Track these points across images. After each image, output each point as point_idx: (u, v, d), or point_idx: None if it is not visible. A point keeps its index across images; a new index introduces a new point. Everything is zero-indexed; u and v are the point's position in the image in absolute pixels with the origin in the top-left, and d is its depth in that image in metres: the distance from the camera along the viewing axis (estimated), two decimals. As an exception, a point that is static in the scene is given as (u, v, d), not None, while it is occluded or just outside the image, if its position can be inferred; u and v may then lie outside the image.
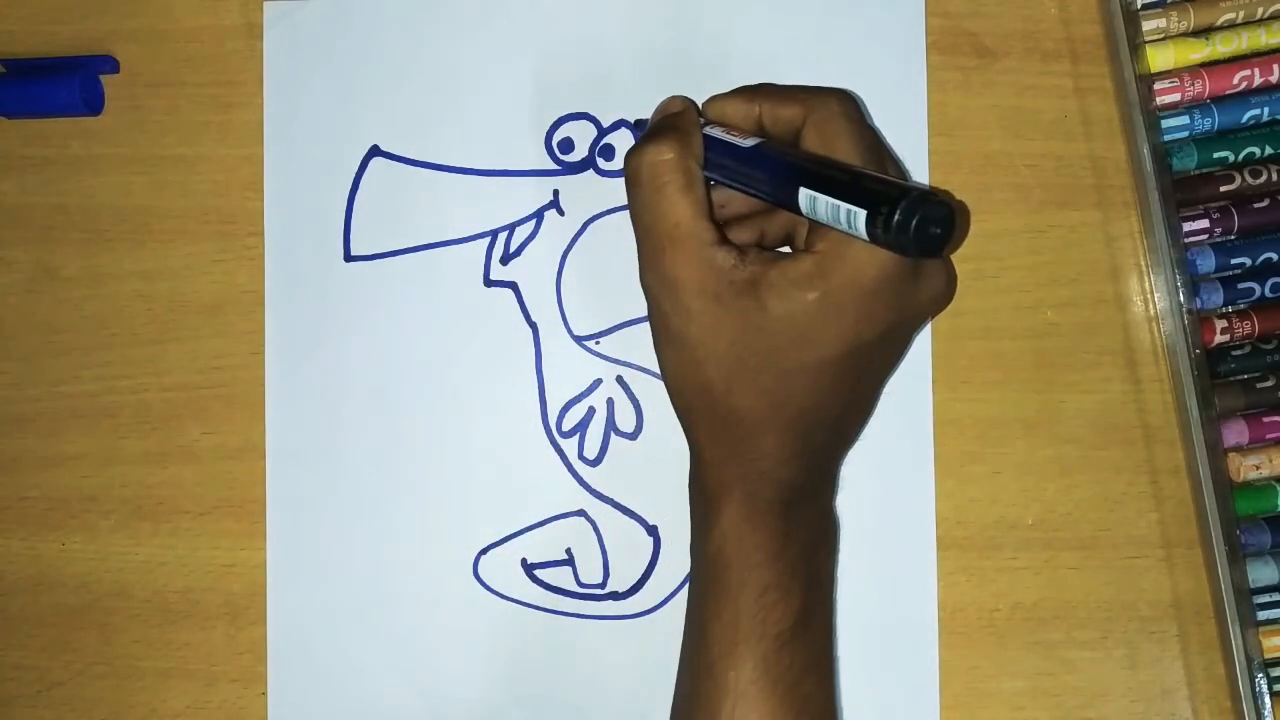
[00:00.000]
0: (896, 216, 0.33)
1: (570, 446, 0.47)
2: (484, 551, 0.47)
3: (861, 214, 0.34)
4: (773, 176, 0.38)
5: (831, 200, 0.35)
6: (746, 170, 0.39)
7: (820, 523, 0.42)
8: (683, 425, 0.41)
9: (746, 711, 0.38)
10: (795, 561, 0.39)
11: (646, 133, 0.40)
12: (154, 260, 0.48)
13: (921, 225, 0.33)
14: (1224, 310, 0.44)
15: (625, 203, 0.46)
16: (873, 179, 0.36)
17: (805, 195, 0.36)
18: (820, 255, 0.37)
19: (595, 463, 0.47)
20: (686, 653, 0.41)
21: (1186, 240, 0.44)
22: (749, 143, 0.39)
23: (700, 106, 0.42)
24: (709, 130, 0.40)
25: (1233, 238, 0.44)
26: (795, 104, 0.39)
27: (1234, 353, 0.44)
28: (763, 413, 0.39)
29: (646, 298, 0.40)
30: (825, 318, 0.37)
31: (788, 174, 0.37)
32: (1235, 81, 0.43)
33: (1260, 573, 0.43)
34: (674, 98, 0.42)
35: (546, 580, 0.47)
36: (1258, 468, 0.43)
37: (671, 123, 0.40)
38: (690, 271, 0.38)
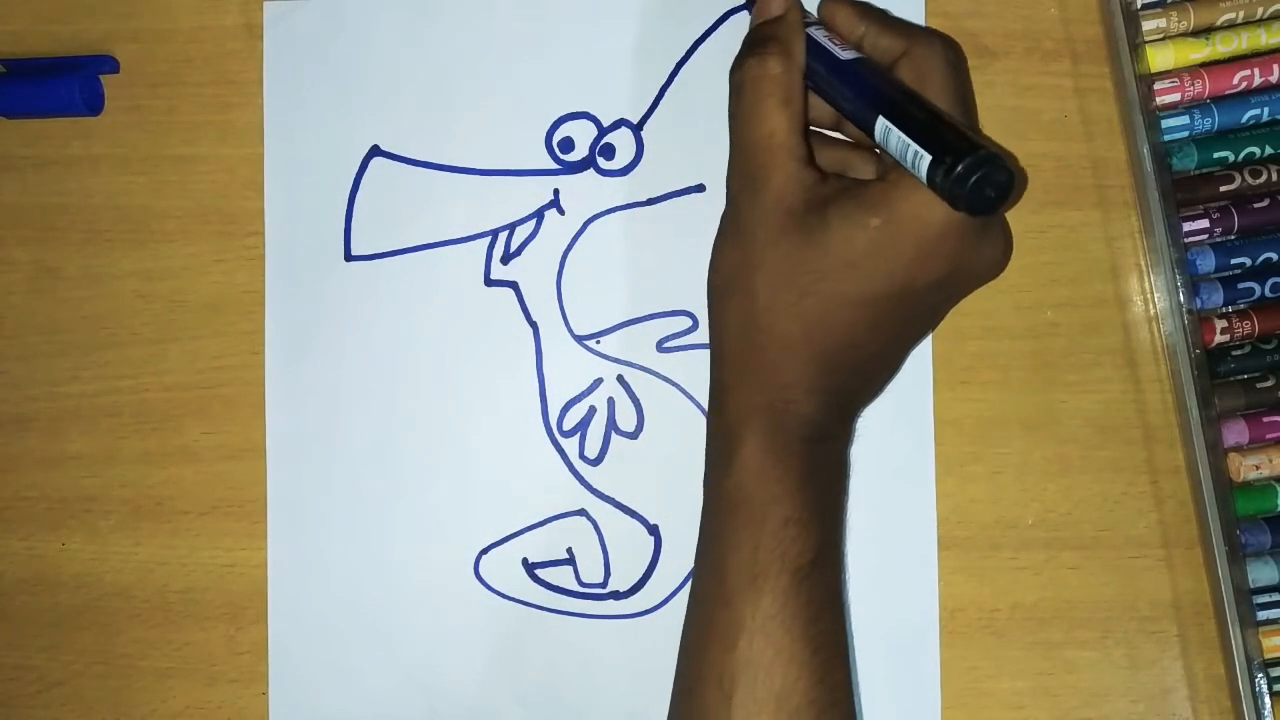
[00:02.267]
0: (958, 169, 0.34)
1: (571, 446, 0.47)
2: (485, 551, 0.47)
3: (926, 158, 0.35)
4: (858, 96, 0.39)
5: (903, 137, 0.36)
6: (836, 82, 0.40)
7: (837, 464, 0.42)
8: (713, 348, 0.41)
9: (764, 645, 0.38)
10: (814, 498, 0.39)
11: (750, 38, 0.41)
12: (154, 260, 0.48)
13: (979, 184, 0.34)
14: (1224, 310, 0.44)
15: (625, 202, 0.47)
16: (949, 127, 0.36)
17: (881, 125, 0.37)
18: (890, 184, 0.38)
19: (596, 462, 0.47)
20: (700, 587, 0.41)
21: (1186, 240, 0.44)
22: (846, 55, 0.40)
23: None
24: (812, 31, 0.41)
25: (1233, 238, 0.44)
26: (899, 35, 0.40)
27: (1234, 353, 0.44)
28: (796, 337, 0.39)
29: (727, 197, 0.41)
30: (882, 250, 0.38)
31: (872, 98, 0.38)
32: (1235, 81, 0.44)
33: (1260, 573, 0.43)
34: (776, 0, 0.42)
35: (547, 580, 0.47)
36: (1258, 468, 0.43)
37: (774, 31, 0.41)
38: (775, 179, 0.39)
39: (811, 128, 0.43)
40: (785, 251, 0.39)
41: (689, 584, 0.42)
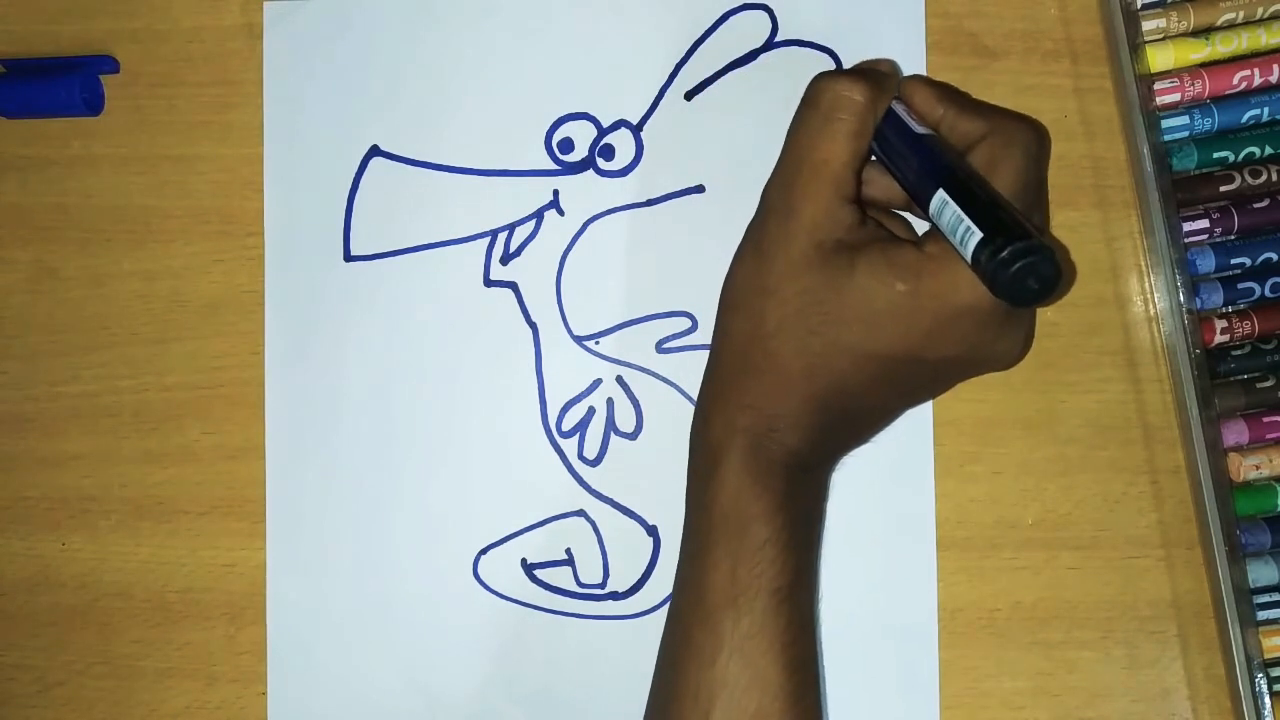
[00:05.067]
0: (1004, 253, 0.33)
1: (570, 446, 0.47)
2: (484, 551, 0.47)
3: (977, 235, 0.34)
4: (922, 167, 0.38)
5: (958, 211, 0.35)
6: (904, 151, 0.39)
7: (815, 492, 0.42)
8: (713, 353, 0.41)
9: (742, 666, 0.38)
10: (792, 521, 0.39)
11: (847, 69, 0.40)
12: (154, 260, 0.48)
13: (1022, 271, 0.33)
14: (1224, 310, 0.44)
15: (625, 203, 0.47)
16: (1007, 212, 0.35)
17: (939, 198, 0.36)
18: (927, 256, 0.37)
19: (595, 463, 0.47)
20: (679, 602, 0.41)
21: (1186, 240, 0.44)
22: (920, 130, 0.39)
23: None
24: (892, 104, 0.40)
25: (1233, 238, 0.44)
26: (981, 120, 0.39)
27: (1234, 353, 0.44)
28: (795, 372, 0.38)
29: (759, 209, 0.40)
30: (900, 316, 0.37)
31: (936, 171, 0.37)
32: (1235, 81, 0.43)
33: (1260, 573, 0.43)
34: (883, 59, 0.42)
35: (546, 580, 0.47)
36: (1258, 468, 0.43)
37: (873, 75, 0.40)
38: (813, 208, 0.38)
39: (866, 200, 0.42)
40: (804, 285, 0.38)
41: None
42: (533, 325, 0.47)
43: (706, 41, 0.47)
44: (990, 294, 0.35)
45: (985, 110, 0.40)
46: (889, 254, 0.37)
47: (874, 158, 0.41)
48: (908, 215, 0.43)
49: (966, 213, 0.35)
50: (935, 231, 0.37)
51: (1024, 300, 0.34)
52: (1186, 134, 0.44)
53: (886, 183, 0.42)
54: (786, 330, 0.38)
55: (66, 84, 0.47)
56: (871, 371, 0.38)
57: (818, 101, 0.39)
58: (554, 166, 0.47)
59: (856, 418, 0.41)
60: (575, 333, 0.47)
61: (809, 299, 0.38)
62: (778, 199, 0.39)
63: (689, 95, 0.47)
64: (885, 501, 0.46)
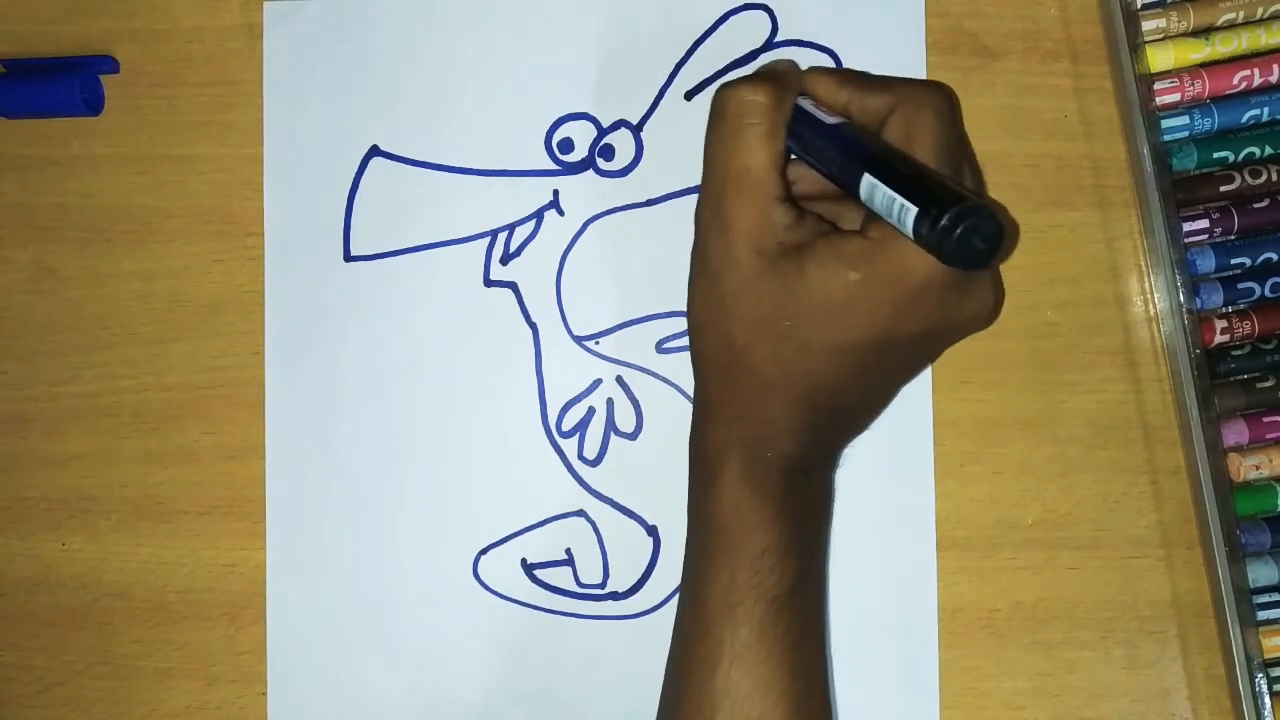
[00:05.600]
0: (944, 221, 0.33)
1: (570, 446, 0.47)
2: (484, 551, 0.47)
3: (912, 211, 0.34)
4: (843, 157, 0.38)
5: (889, 192, 0.35)
6: (821, 145, 0.39)
7: (817, 495, 0.42)
8: (695, 373, 0.41)
9: (742, 674, 0.38)
10: (792, 528, 0.39)
11: (745, 76, 0.40)
12: (154, 260, 0.48)
13: (965, 235, 0.33)
14: (1224, 310, 0.44)
15: (625, 203, 0.47)
16: (935, 180, 0.35)
17: (867, 182, 0.36)
18: (871, 241, 0.37)
19: (595, 463, 0.47)
20: (682, 612, 0.41)
21: (1186, 240, 0.44)
22: (831, 120, 0.39)
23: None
24: (799, 101, 0.40)
25: (1233, 238, 0.44)
26: (886, 93, 0.39)
27: (1234, 353, 0.44)
28: (775, 379, 0.38)
29: (696, 232, 0.40)
30: (859, 303, 0.37)
31: (856, 157, 0.37)
32: (1235, 81, 0.43)
33: (1260, 573, 0.43)
34: (781, 60, 0.42)
35: (546, 580, 0.47)
36: (1258, 468, 0.43)
37: (772, 75, 0.40)
38: (746, 218, 0.38)
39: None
40: (759, 296, 0.38)
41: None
42: (533, 325, 0.47)
43: (706, 41, 0.47)
44: (941, 264, 0.35)
45: (888, 83, 0.40)
46: (835, 246, 0.37)
47: (794, 156, 0.41)
48: None
49: (897, 191, 0.35)
50: (872, 216, 0.37)
51: (974, 263, 0.33)
52: (1186, 134, 0.44)
53: (814, 176, 0.41)
54: (756, 342, 0.38)
55: (66, 84, 0.47)
56: (848, 364, 0.38)
57: (724, 112, 0.39)
58: (554, 166, 0.47)
59: (846, 411, 0.41)
60: (575, 333, 0.47)
61: (769, 308, 0.38)
62: (710, 217, 0.39)
63: (689, 95, 0.47)
64: (885, 501, 0.46)
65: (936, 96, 0.38)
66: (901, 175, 0.35)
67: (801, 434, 0.39)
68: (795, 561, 0.39)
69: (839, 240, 0.37)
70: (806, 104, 0.40)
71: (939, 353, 0.42)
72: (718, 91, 0.39)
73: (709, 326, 0.39)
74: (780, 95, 0.38)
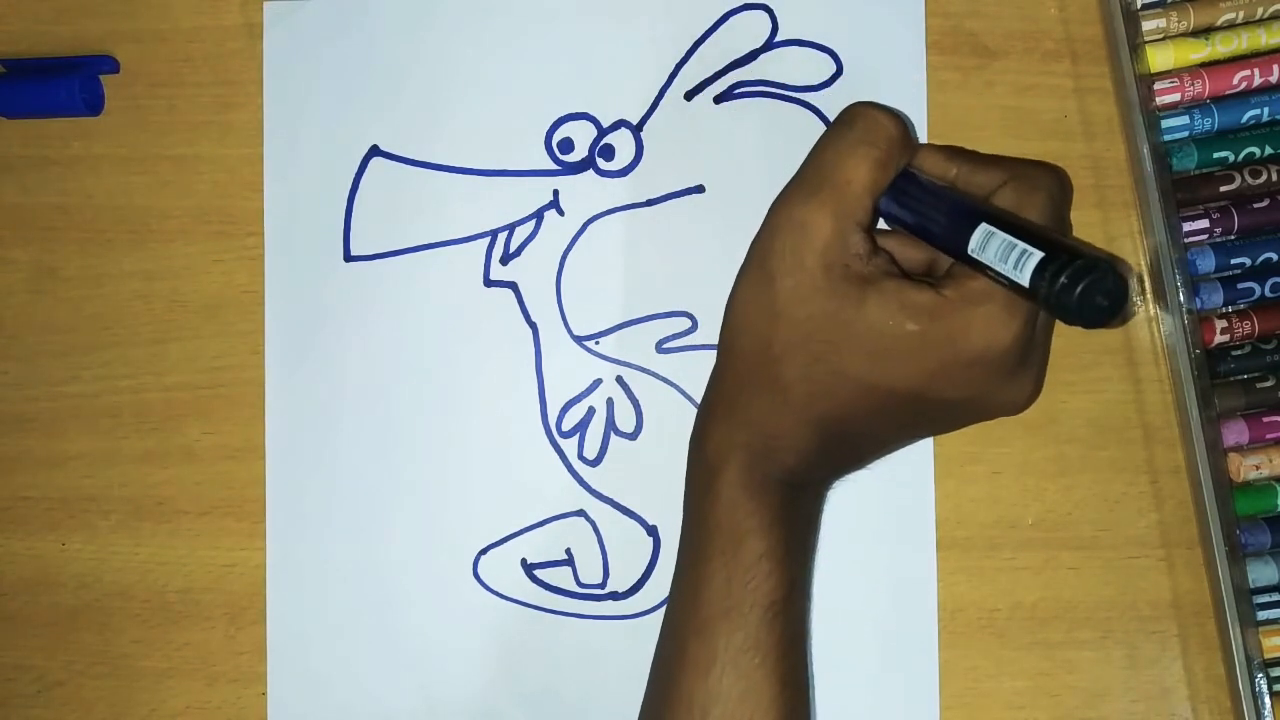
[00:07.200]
0: (1068, 271, 0.32)
1: (570, 446, 0.47)
2: (484, 551, 0.47)
3: (1036, 256, 0.33)
4: (953, 210, 0.37)
5: (1009, 238, 0.34)
6: (925, 201, 0.38)
7: (811, 509, 0.42)
8: (717, 365, 0.40)
9: (735, 679, 0.38)
10: (786, 536, 0.39)
11: (884, 108, 0.39)
12: (154, 260, 0.48)
13: (1090, 289, 0.32)
14: (1224, 310, 0.44)
15: (625, 203, 0.47)
16: (1059, 236, 0.34)
17: (982, 230, 0.35)
18: (943, 299, 0.36)
19: (595, 463, 0.47)
20: (674, 612, 0.41)
21: (1186, 240, 0.44)
22: (938, 185, 0.39)
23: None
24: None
25: (1233, 238, 0.44)
26: (999, 170, 0.39)
27: (1234, 353, 0.44)
28: (797, 397, 0.38)
29: (764, 226, 0.39)
30: (909, 354, 0.37)
31: (971, 210, 0.36)
32: (1235, 81, 0.43)
33: (1260, 573, 0.43)
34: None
35: (546, 580, 0.47)
36: (1258, 468, 0.43)
37: (905, 120, 0.39)
38: (826, 228, 0.37)
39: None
40: (810, 312, 0.37)
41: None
42: (533, 325, 0.47)
43: (706, 41, 0.47)
44: (1003, 344, 0.34)
45: (1001, 161, 0.40)
46: (904, 293, 0.37)
47: (884, 223, 0.40)
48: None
49: (1018, 237, 0.33)
50: (955, 277, 0.37)
51: (1094, 320, 0.32)
52: (1186, 134, 0.44)
53: (896, 243, 0.41)
54: (792, 355, 0.38)
55: (66, 84, 0.47)
56: (874, 403, 0.38)
57: (853, 123, 0.38)
58: (554, 166, 0.47)
59: (856, 444, 0.41)
60: (575, 333, 0.47)
61: (816, 326, 0.37)
62: (791, 215, 0.38)
63: (689, 95, 0.47)
64: (885, 501, 0.46)
65: (1051, 179, 0.38)
66: (1021, 226, 0.34)
67: (808, 454, 0.39)
68: (789, 570, 0.39)
69: (908, 288, 0.37)
70: (913, 170, 0.39)
71: (962, 425, 0.42)
72: (852, 105, 0.39)
73: (750, 325, 0.39)
74: (907, 139, 0.38)
